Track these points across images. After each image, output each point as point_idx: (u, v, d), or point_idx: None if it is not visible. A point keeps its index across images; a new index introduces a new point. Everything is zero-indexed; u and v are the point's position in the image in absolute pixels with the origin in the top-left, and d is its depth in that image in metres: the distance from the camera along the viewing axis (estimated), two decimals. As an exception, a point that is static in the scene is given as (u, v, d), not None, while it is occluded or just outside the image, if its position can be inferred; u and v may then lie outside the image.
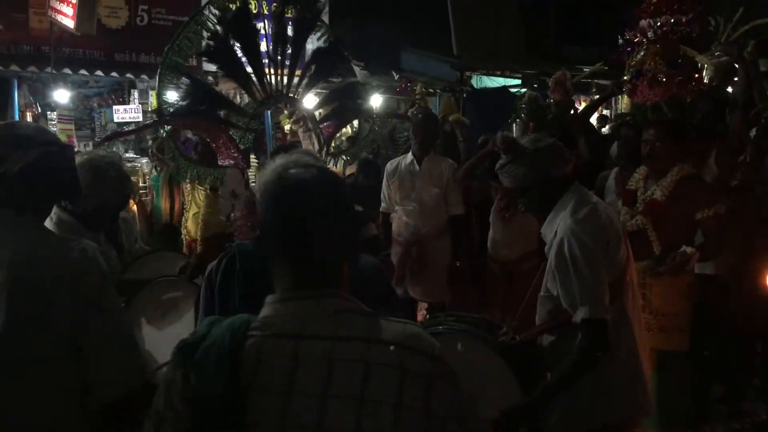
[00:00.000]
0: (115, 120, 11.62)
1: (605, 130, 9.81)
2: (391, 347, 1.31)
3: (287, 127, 9.55)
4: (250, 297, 1.90)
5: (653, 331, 3.73)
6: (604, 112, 13.09)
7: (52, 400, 1.86)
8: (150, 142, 8.68)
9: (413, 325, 1.40)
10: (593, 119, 8.34)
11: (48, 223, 2.73)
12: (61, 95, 10.51)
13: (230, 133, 4.80)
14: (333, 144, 5.53)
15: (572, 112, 6.04)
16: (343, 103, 5.26)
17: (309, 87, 5.08)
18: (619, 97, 5.39)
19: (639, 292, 2.87)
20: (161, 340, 2.94)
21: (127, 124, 11.37)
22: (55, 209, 2.80)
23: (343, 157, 5.48)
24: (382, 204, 5.45)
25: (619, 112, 9.77)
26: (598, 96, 8.14)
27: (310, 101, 5.52)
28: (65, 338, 1.85)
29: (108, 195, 2.85)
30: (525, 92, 6.66)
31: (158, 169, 7.43)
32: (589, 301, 2.41)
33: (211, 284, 2.01)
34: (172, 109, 4.64)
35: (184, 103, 4.60)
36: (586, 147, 5.07)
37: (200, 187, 6.06)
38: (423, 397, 1.29)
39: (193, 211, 6.41)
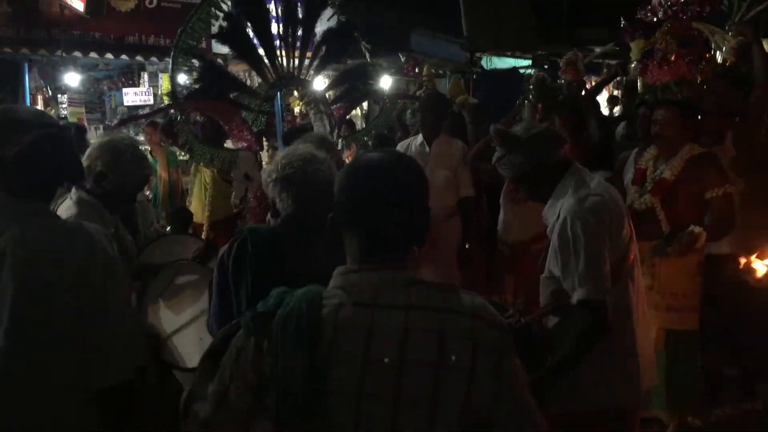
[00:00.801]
0: (125, 103, 11.67)
1: (616, 111, 9.79)
2: (465, 318, 1.37)
3: (297, 110, 9.56)
4: (263, 279, 1.96)
5: (662, 310, 3.76)
6: (615, 92, 13.02)
7: (59, 384, 1.87)
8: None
9: (478, 296, 1.46)
10: (603, 101, 8.33)
11: (68, 203, 2.79)
12: (72, 78, 10.55)
13: (243, 115, 4.83)
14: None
15: (583, 92, 6.03)
16: (354, 85, 5.27)
17: (320, 69, 5.10)
18: (638, 77, 5.36)
19: (641, 272, 2.87)
20: (177, 323, 2.99)
21: (138, 107, 11.41)
22: (74, 190, 2.84)
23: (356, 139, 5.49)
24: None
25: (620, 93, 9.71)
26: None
27: (320, 83, 5.54)
28: (69, 329, 1.86)
29: (126, 176, 2.89)
30: (533, 73, 6.65)
31: (152, 155, 7.43)
32: (588, 282, 2.42)
33: (224, 268, 2.04)
34: (185, 92, 4.67)
35: (197, 85, 4.62)
36: (596, 128, 5.06)
37: (206, 171, 6.04)
38: (493, 367, 1.36)
39: (197, 195, 6.41)
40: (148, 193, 7.02)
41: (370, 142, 5.92)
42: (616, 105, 10.35)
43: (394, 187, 1.43)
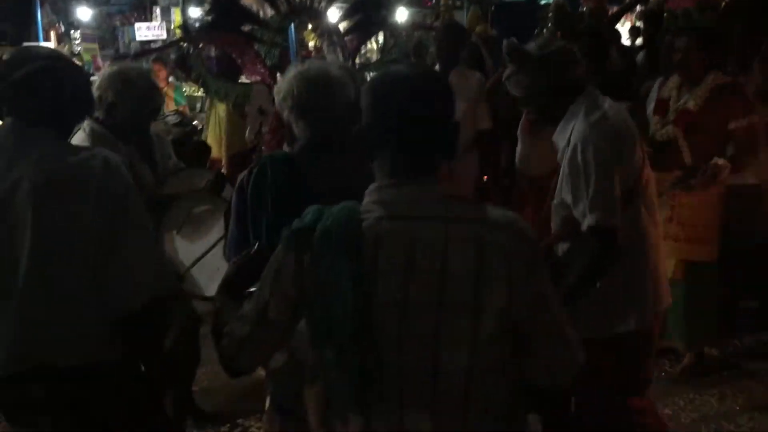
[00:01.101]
0: (138, 38, 11.56)
1: (638, 42, 9.55)
2: (499, 229, 1.39)
3: (312, 44, 9.42)
4: (283, 204, 1.96)
5: (681, 242, 3.73)
6: (637, 23, 12.69)
7: (82, 311, 1.90)
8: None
9: (509, 211, 1.49)
10: (625, 32, 8.11)
11: (81, 135, 2.78)
12: (84, 13, 10.45)
13: (256, 48, 4.75)
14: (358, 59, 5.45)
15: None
16: (367, 16, 5.15)
17: (333, -1, 4.99)
18: (661, 4, 5.20)
19: (661, 203, 2.82)
20: (193, 253, 3.01)
21: (150, 42, 11.29)
22: (87, 121, 2.82)
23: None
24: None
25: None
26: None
27: (333, 14, 5.42)
28: (93, 249, 1.87)
29: (138, 105, 2.86)
30: (552, 1, 6.46)
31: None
32: (599, 208, 2.38)
33: (243, 194, 2.02)
34: (197, 26, 4.59)
35: (209, 18, 4.55)
36: (618, 57, 4.93)
37: (221, 105, 5.99)
38: (527, 277, 1.39)
39: (213, 131, 6.37)
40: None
41: None
42: (638, 36, 10.10)
43: (424, 101, 1.43)
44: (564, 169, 2.52)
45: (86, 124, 2.83)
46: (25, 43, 7.50)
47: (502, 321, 1.37)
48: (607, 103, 2.55)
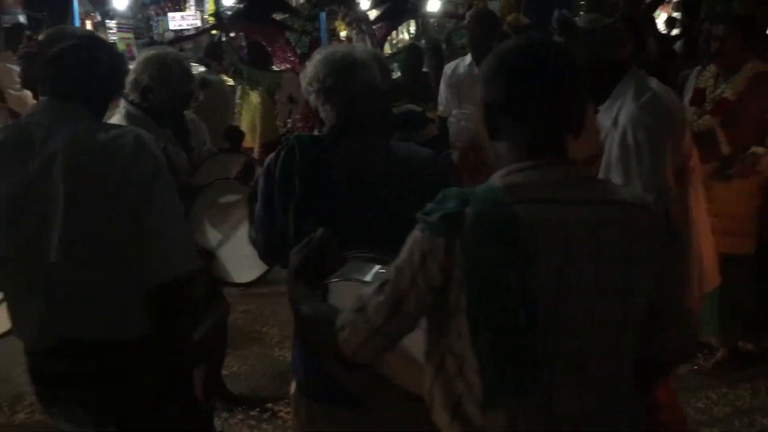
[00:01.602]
0: (172, 27, 11.66)
1: (675, 33, 9.39)
2: (641, 210, 1.40)
3: (343, 34, 9.41)
4: (311, 186, 1.95)
5: (717, 234, 3.64)
6: (674, 14, 12.47)
7: (111, 288, 1.93)
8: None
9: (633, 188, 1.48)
10: (660, 23, 7.97)
11: (117, 117, 2.82)
12: (120, 2, 10.54)
13: (287, 36, 4.76)
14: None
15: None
16: (396, 4, 5.12)
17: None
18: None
19: (701, 183, 2.79)
20: (222, 240, 3.03)
21: (184, 30, 11.38)
22: (123, 103, 2.86)
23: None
24: (439, 108, 5.36)
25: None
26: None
27: (363, 2, 5.41)
28: (122, 225, 1.90)
29: (173, 89, 2.89)
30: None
31: None
32: (654, 188, 2.35)
33: (271, 176, 2.02)
34: (229, 13, 4.61)
35: (241, 6, 4.56)
36: (654, 45, 4.84)
37: (254, 93, 6.01)
38: (667, 255, 1.40)
39: (246, 119, 6.39)
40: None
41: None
42: (674, 27, 9.93)
43: (568, 74, 1.39)
44: (611, 151, 2.48)
45: (122, 107, 2.87)
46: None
47: (646, 301, 1.39)
48: (655, 83, 2.52)
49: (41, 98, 2.01)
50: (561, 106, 1.40)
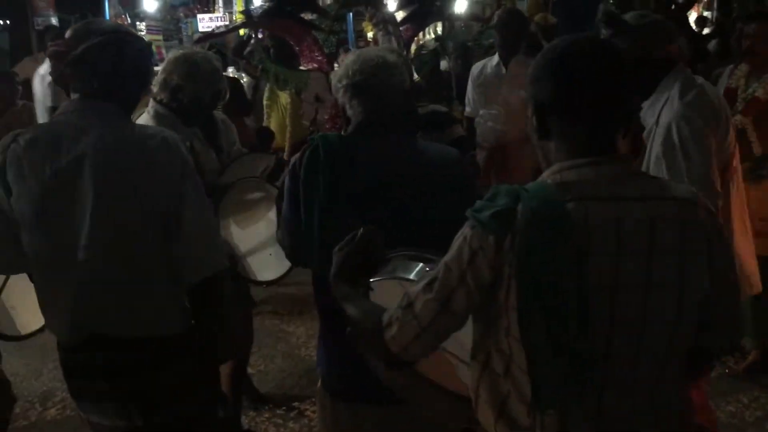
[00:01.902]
0: (201, 29, 11.76)
1: (706, 31, 9.26)
2: (695, 206, 1.39)
3: (370, 35, 9.42)
4: (336, 185, 1.95)
5: (760, 237, 3.59)
6: (704, 13, 12.30)
7: (140, 285, 1.96)
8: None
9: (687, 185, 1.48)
10: (691, 21, 7.86)
11: (145, 116, 2.84)
12: (150, 5, 10.68)
13: (314, 35, 4.78)
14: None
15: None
16: (422, 6, 5.11)
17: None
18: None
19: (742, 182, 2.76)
20: (246, 239, 3.05)
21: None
22: (152, 103, 2.89)
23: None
24: (467, 108, 5.34)
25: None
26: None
27: (390, 3, 5.41)
28: (151, 224, 1.93)
29: (202, 88, 2.89)
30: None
31: None
32: (699, 186, 2.32)
33: (296, 175, 2.03)
34: (258, 12, 4.63)
35: (270, 5, 4.58)
36: (686, 44, 4.78)
37: (283, 94, 6.02)
38: (721, 251, 1.41)
39: (275, 119, 6.37)
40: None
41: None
42: (705, 26, 9.80)
43: (624, 71, 1.38)
44: (655, 148, 2.46)
45: (151, 106, 2.89)
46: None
47: (701, 298, 1.38)
48: (701, 81, 2.49)
49: (72, 96, 2.02)
50: (614, 105, 1.38)
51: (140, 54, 2.07)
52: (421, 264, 1.60)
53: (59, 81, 2.05)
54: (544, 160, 1.44)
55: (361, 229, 1.66)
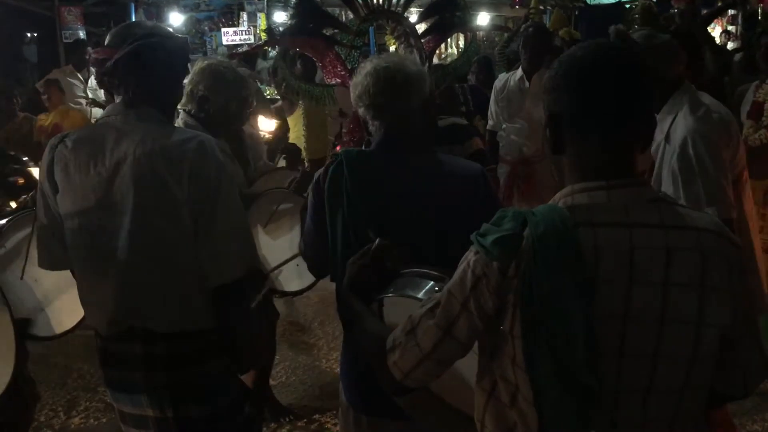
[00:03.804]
0: (225, 42, 11.89)
1: (729, 46, 9.19)
2: (716, 236, 1.31)
3: (392, 48, 9.44)
4: (358, 201, 1.96)
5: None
6: (729, 27, 12.19)
7: (175, 283, 2.02)
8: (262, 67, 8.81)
9: (707, 214, 1.41)
10: (716, 36, 7.80)
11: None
12: (176, 18, 10.82)
13: (336, 51, 4.80)
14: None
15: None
16: (444, 17, 5.11)
17: (410, 1, 4.98)
18: (758, 5, 5.00)
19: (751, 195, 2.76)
20: (274, 249, 3.07)
21: (236, 46, 11.59)
22: (181, 114, 2.93)
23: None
24: (489, 122, 5.35)
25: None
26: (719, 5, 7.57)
27: (411, 16, 5.42)
28: (187, 226, 1.97)
29: (229, 98, 2.93)
30: (639, 3, 6.28)
31: None
32: (716, 200, 2.34)
33: (320, 191, 2.04)
34: (281, 29, 4.66)
35: (293, 22, 4.62)
36: (711, 59, 4.75)
37: (308, 107, 6.04)
38: (742, 286, 1.32)
39: (296, 133, 6.37)
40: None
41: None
42: (729, 40, 9.73)
43: (635, 84, 1.30)
44: (668, 164, 2.47)
45: (180, 117, 2.93)
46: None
47: (720, 333, 1.29)
48: (707, 98, 2.52)
49: (116, 100, 2.09)
50: (633, 118, 1.30)
51: (175, 55, 2.11)
52: (431, 282, 1.57)
53: (102, 86, 2.12)
54: (558, 174, 1.42)
55: (376, 242, 1.66)
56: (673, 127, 2.46)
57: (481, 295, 1.29)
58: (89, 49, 6.79)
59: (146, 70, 2.01)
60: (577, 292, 1.22)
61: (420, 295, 1.55)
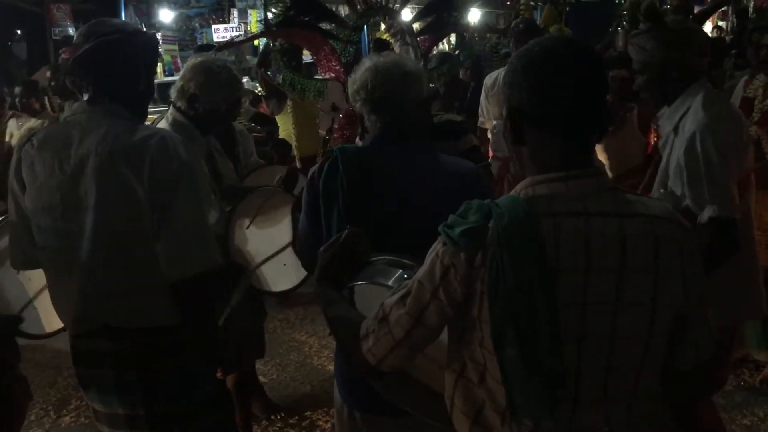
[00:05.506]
0: (216, 39, 11.84)
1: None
2: (670, 222, 1.36)
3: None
4: (355, 198, 1.95)
5: (763, 247, 3.57)
6: (720, 23, 12.26)
7: (138, 279, 2.02)
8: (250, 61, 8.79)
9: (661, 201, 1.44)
10: (707, 31, 7.83)
11: (163, 123, 2.86)
12: (165, 15, 10.78)
13: (331, 45, 4.78)
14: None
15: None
16: (440, 17, 5.11)
17: (407, -2, 4.98)
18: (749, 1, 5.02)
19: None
20: (261, 245, 3.06)
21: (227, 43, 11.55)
22: (171, 110, 2.90)
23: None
24: (480, 118, 5.35)
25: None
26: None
27: (407, 14, 5.42)
28: (148, 221, 1.97)
29: (220, 96, 2.89)
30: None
31: None
32: (720, 199, 2.32)
33: (314, 187, 2.03)
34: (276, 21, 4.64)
35: (288, 14, 4.59)
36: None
37: (302, 102, 6.01)
38: (695, 268, 1.38)
39: (286, 132, 6.36)
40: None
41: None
42: (720, 36, 9.76)
43: (601, 75, 1.34)
44: (675, 158, 2.45)
45: (169, 114, 2.91)
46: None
47: (674, 315, 1.36)
48: (723, 95, 2.51)
49: (82, 98, 2.08)
50: (589, 111, 1.33)
51: (141, 52, 2.08)
52: (400, 270, 1.60)
53: (56, 90, 2.11)
54: (518, 165, 1.42)
55: (346, 231, 1.68)
56: (684, 120, 2.43)
57: (449, 284, 1.34)
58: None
59: (103, 67, 2.00)
60: (541, 281, 1.27)
61: (390, 282, 1.58)
